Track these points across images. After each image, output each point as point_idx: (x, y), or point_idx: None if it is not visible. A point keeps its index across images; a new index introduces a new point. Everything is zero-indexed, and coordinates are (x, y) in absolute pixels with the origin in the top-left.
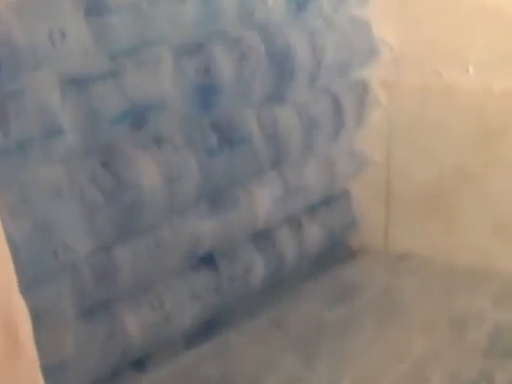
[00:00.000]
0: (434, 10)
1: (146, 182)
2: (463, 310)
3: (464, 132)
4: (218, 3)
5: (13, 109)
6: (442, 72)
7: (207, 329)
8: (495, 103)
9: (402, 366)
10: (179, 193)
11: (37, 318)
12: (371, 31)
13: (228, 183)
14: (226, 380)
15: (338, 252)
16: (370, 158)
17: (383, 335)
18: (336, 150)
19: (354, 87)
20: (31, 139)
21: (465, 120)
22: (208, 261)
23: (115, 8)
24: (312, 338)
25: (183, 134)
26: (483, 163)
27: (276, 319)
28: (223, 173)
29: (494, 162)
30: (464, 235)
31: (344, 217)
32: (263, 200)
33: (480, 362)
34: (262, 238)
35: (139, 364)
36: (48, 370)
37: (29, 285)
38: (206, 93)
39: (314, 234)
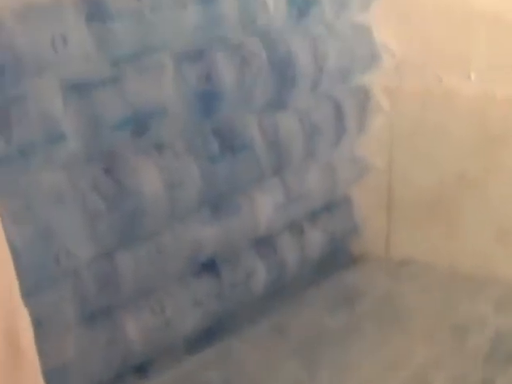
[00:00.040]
0: (436, 16)
1: (148, 189)
2: (465, 316)
3: (465, 138)
4: (219, 10)
5: (15, 114)
6: (443, 78)
7: (209, 334)
8: (497, 109)
9: (404, 373)
10: (181, 199)
11: (38, 323)
12: (373, 37)
13: (230, 189)
14: None
15: (339, 258)
16: (371, 163)
17: (385, 341)
18: (337, 155)
19: (355, 93)
20: (33, 145)
21: (466, 126)
22: (210, 267)
23: (117, 14)
24: (314, 345)
25: (185, 141)
26: (484, 169)
27: (278, 325)
28: (225, 179)
29: (495, 167)
30: (465, 241)
31: (345, 223)
32: (265, 206)
33: (482, 367)
34: (264, 244)
35: (141, 370)
36: (50, 376)
37: (31, 291)
38: (208, 99)
39: (316, 239)
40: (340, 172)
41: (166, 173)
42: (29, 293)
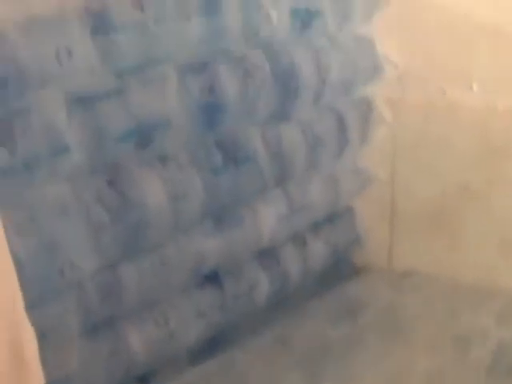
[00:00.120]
0: (438, 28)
1: (152, 201)
2: (467, 328)
3: (468, 149)
4: (222, 22)
5: (19, 127)
6: (445, 90)
7: (212, 346)
8: (499, 121)
9: None
10: (184, 211)
11: (42, 335)
12: (375, 49)
13: (233, 201)
14: None
15: (342, 269)
16: (374, 175)
17: (387, 353)
18: (340, 167)
19: (358, 105)
20: (37, 157)
21: (469, 137)
22: (213, 278)
23: (121, 26)
24: (316, 356)
25: (188, 153)
26: (487, 180)
27: (280, 337)
28: (228, 191)
29: (497, 179)
30: (468, 253)
31: (348, 234)
32: (268, 218)
33: (484, 379)
34: (267, 255)
35: (144, 381)
36: None
37: (34, 303)
38: (211, 111)
39: (319, 251)
40: (343, 183)
41: (170, 185)
42: (32, 305)
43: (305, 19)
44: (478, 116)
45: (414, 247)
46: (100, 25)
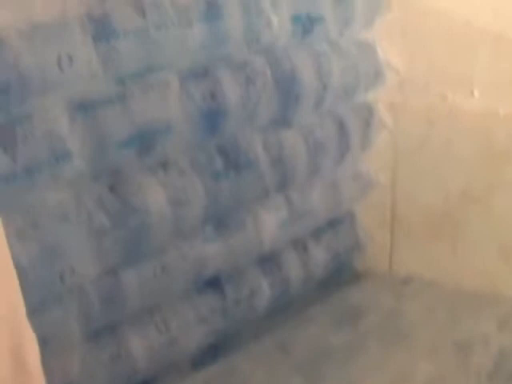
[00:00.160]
0: (439, 34)
1: (153, 206)
2: (468, 334)
3: (469, 155)
4: (224, 28)
5: (21, 133)
6: (447, 95)
7: (213, 351)
8: (500, 126)
9: None
10: (185, 216)
11: (44, 341)
12: (377, 55)
13: (234, 207)
14: None
15: (342, 275)
16: (375, 180)
17: (388, 359)
18: (341, 173)
19: (359, 110)
20: (39, 163)
21: (470, 143)
22: (214, 284)
23: (122, 33)
24: (317, 362)
25: (189, 158)
26: (488, 186)
27: (281, 342)
28: (229, 196)
29: (499, 184)
30: (469, 258)
31: (349, 239)
32: (269, 223)
33: None
34: (268, 261)
35: None
36: None
37: (36, 309)
38: (212, 117)
39: (319, 256)
40: (344, 189)
41: (171, 190)
42: (34, 310)
43: (306, 25)
44: (479, 121)
45: (414, 253)
46: (102, 31)
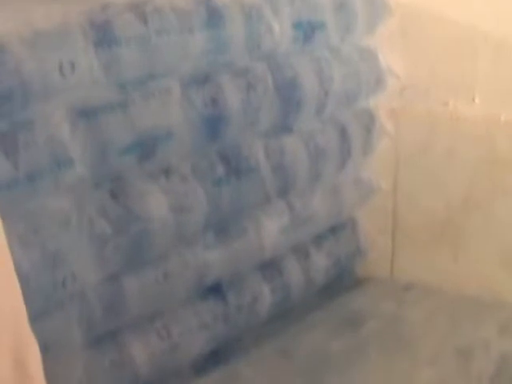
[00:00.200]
0: (440, 40)
1: (154, 213)
2: (469, 340)
3: (471, 161)
4: (225, 34)
5: (23, 139)
6: (448, 101)
7: (214, 358)
8: (502, 132)
9: None
10: (187, 223)
11: (45, 347)
12: (378, 61)
13: (235, 213)
14: None
15: (344, 281)
16: (376, 186)
17: (389, 365)
18: (343, 178)
19: (360, 116)
20: (41, 170)
21: (471, 149)
22: (215, 290)
23: (124, 40)
24: (318, 368)
25: (191, 165)
26: (490, 192)
27: (283, 348)
28: (230, 202)
29: (500, 190)
30: (471, 265)
31: (350, 245)
32: (270, 229)
33: None
34: (269, 267)
35: None
36: None
37: (37, 315)
38: (214, 123)
39: (321, 262)
40: (345, 195)
41: (173, 197)
42: (35, 317)
43: (307, 31)
44: (480, 127)
45: (416, 258)
46: (103, 38)
